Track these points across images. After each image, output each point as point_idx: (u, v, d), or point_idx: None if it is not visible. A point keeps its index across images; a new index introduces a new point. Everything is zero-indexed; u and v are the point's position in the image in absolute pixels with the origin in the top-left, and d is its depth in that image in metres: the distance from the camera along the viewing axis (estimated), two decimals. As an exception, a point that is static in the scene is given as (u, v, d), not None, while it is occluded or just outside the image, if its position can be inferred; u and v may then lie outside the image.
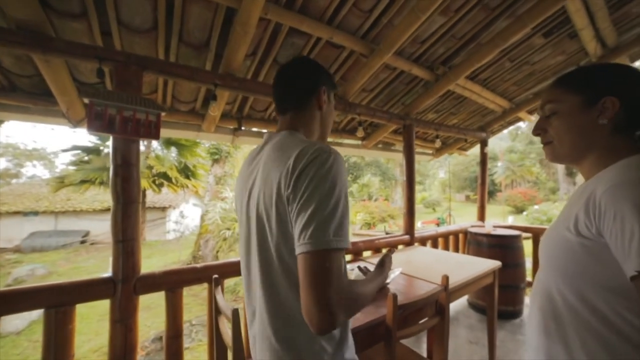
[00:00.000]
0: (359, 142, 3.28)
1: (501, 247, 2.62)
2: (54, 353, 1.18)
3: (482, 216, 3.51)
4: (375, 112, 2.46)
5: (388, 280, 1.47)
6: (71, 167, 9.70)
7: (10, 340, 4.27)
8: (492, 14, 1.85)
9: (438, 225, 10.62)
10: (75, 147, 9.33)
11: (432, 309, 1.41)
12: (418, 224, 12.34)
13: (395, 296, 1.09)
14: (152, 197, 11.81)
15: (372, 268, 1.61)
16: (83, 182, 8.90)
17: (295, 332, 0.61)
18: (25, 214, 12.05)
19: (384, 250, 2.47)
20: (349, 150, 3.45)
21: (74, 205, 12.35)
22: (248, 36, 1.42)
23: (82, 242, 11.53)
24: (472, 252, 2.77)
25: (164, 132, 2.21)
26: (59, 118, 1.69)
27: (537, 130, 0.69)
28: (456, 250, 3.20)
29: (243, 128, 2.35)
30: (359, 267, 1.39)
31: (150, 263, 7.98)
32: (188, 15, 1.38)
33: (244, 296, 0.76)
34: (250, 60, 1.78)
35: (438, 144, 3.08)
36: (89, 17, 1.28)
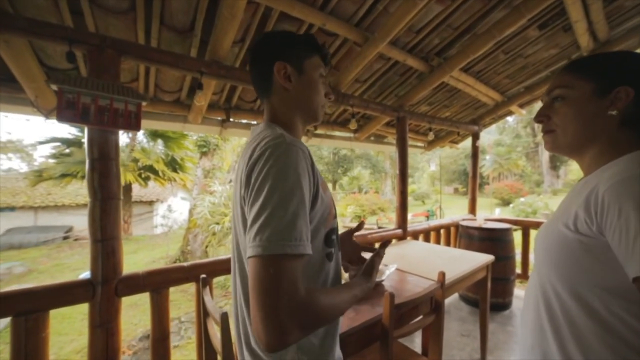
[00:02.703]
0: (351, 134, 3.22)
1: (492, 240, 2.64)
2: (26, 363, 1.09)
3: (473, 209, 3.54)
4: (369, 103, 2.40)
5: (383, 277, 1.44)
6: (51, 160, 9.26)
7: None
8: (489, 3, 1.80)
9: (428, 217, 10.78)
10: (54, 139, 8.90)
11: (428, 306, 1.39)
12: (408, 216, 12.51)
13: (392, 295, 1.05)
14: (138, 190, 11.48)
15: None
16: (64, 175, 8.53)
17: None
18: (0, 209, 11.47)
19: (377, 245, 2.46)
20: (340, 142, 3.39)
21: (55, 199, 11.85)
22: (236, 20, 1.32)
23: (65, 238, 11.11)
24: (464, 245, 2.79)
25: (148, 124, 2.10)
26: (27, 107, 1.54)
27: (540, 117, 0.65)
28: (447, 243, 3.22)
29: (232, 120, 2.24)
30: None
31: (136, 258, 7.78)
32: (169, -5, 1.27)
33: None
34: (239, 47, 1.67)
35: (431, 136, 3.05)
36: (56, -7, 1.15)
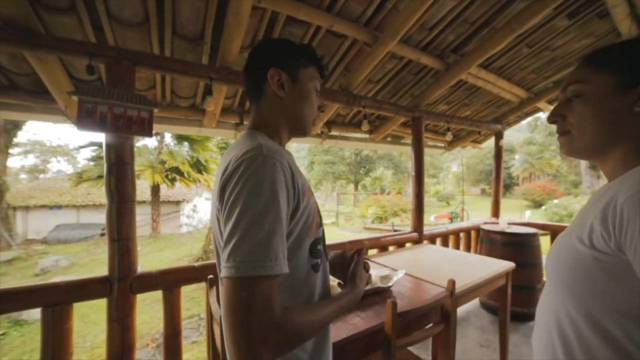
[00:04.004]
0: (367, 135, 3.17)
1: (516, 245, 2.48)
2: (52, 351, 1.19)
3: (496, 212, 3.35)
4: (382, 104, 2.35)
5: (390, 283, 1.40)
6: (91, 163, 10.05)
7: (37, 327, 4.49)
8: (508, -6, 1.70)
9: (451, 219, 10.36)
10: (92, 143, 9.65)
11: (438, 315, 1.33)
12: (431, 218, 12.10)
13: (394, 304, 1.02)
14: (166, 191, 12.10)
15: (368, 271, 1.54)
16: (100, 177, 9.21)
17: None
18: (50, 207, 12.63)
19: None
20: (355, 143, 3.36)
21: (94, 199, 12.83)
22: (241, 26, 1.35)
23: (102, 234, 11.99)
24: (485, 250, 2.65)
25: (166, 129, 2.22)
26: (59, 116, 1.69)
27: (554, 116, 0.58)
28: (468, 248, 3.07)
29: (245, 123, 2.30)
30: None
31: (163, 256, 8.21)
32: (179, 6, 1.32)
33: None
34: (248, 53, 1.71)
35: (449, 137, 2.93)
36: (78, 11, 1.24)
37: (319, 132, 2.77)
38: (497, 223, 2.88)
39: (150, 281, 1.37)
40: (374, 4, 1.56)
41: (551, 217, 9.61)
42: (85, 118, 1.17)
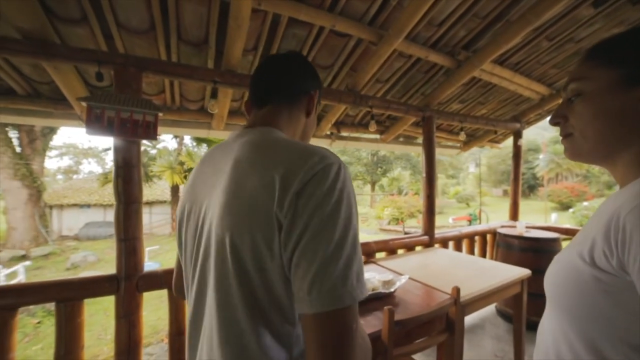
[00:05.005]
0: (378, 136, 3.11)
1: (535, 251, 2.34)
2: (65, 344, 1.25)
3: (514, 215, 3.18)
4: (390, 104, 2.30)
5: (392, 289, 1.35)
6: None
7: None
8: (522, -15, 1.60)
9: (470, 222, 9.98)
10: (117, 146, 10.17)
11: (443, 323, 1.28)
12: (449, 220, 11.72)
13: (391, 311, 0.98)
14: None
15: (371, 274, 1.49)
16: (124, 177, 9.68)
17: None
18: (80, 206, 13.46)
19: (400, 252, 2.33)
20: (366, 144, 3.31)
21: (119, 198, 13.50)
22: (242, 30, 1.36)
23: (126, 232, 12.61)
24: (501, 255, 2.52)
25: (176, 131, 2.29)
26: (76, 121, 1.78)
27: (556, 118, 0.52)
28: (483, 253, 2.93)
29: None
30: None
31: (181, 254, 8.47)
32: (183, 12, 1.35)
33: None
34: (252, 55, 1.72)
35: (462, 136, 2.82)
36: (90, 21, 1.31)
37: (329, 132, 2.75)
38: (515, 226, 2.73)
39: (156, 280, 1.41)
40: (377, 2, 1.52)
41: (580, 220, 9.00)
42: (93, 123, 1.22)
